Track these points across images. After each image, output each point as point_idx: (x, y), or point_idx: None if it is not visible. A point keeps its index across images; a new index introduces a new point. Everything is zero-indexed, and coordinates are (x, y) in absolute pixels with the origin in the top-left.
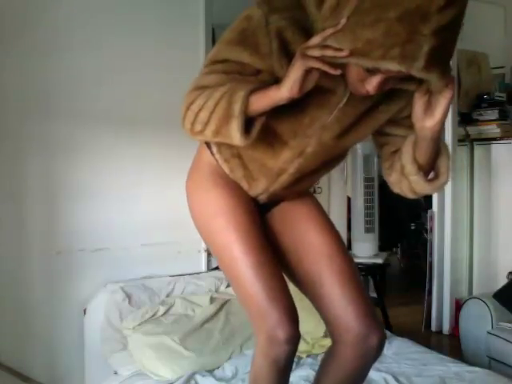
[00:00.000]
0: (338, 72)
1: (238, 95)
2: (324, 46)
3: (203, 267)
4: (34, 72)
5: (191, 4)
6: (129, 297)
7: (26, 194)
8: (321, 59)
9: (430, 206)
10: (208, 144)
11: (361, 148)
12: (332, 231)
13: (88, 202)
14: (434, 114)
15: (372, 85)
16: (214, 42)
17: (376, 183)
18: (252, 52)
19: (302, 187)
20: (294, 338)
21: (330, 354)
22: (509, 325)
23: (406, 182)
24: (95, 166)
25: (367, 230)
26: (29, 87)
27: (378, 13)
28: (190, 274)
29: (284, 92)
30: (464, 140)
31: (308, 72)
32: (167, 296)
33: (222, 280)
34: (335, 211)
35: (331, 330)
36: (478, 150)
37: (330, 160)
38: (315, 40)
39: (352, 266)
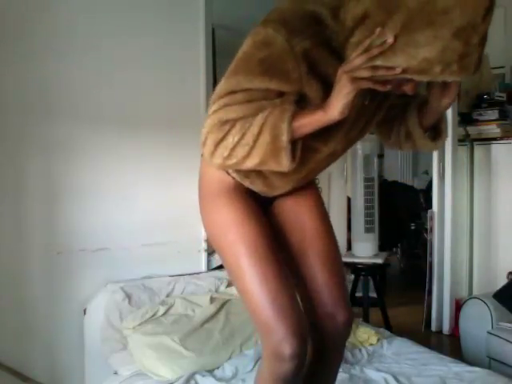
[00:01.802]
0: (388, 88)
1: (282, 127)
2: (374, 67)
3: (203, 267)
4: (35, 72)
5: (191, 4)
6: (129, 297)
7: (27, 194)
8: (371, 78)
9: (430, 206)
10: None
11: (361, 148)
12: (322, 216)
13: (88, 202)
14: (450, 94)
15: (410, 88)
16: (214, 41)
17: (376, 183)
18: (280, 80)
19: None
20: (300, 354)
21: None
22: (509, 325)
23: (410, 143)
24: (95, 166)
25: (367, 230)
26: (29, 88)
27: (431, 31)
28: (190, 274)
29: (335, 115)
30: (464, 140)
31: (357, 93)
32: (167, 296)
33: (222, 280)
34: (335, 211)
35: (309, 309)
36: (478, 150)
37: (351, 147)
38: (359, 60)
39: (335, 248)
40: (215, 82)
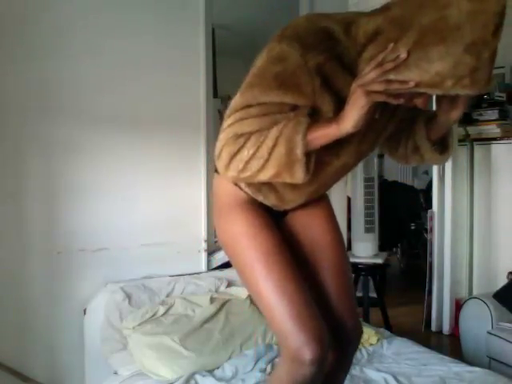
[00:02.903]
0: (401, 101)
1: (296, 139)
2: (388, 81)
3: (203, 267)
4: (35, 73)
5: (191, 4)
6: (129, 297)
7: (27, 194)
8: (383, 92)
9: (430, 206)
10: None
11: None
12: (335, 228)
13: (88, 202)
14: (458, 107)
15: (422, 101)
16: (214, 41)
17: (376, 183)
18: (295, 94)
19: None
20: (321, 358)
21: None
22: (509, 325)
23: (417, 156)
24: (95, 166)
25: (367, 230)
26: (29, 88)
27: (443, 47)
28: (190, 274)
29: (349, 128)
30: (464, 140)
31: (371, 106)
32: (167, 296)
33: (222, 280)
34: (335, 211)
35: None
36: (478, 150)
37: (362, 160)
38: (373, 75)
39: (346, 263)
40: (215, 82)
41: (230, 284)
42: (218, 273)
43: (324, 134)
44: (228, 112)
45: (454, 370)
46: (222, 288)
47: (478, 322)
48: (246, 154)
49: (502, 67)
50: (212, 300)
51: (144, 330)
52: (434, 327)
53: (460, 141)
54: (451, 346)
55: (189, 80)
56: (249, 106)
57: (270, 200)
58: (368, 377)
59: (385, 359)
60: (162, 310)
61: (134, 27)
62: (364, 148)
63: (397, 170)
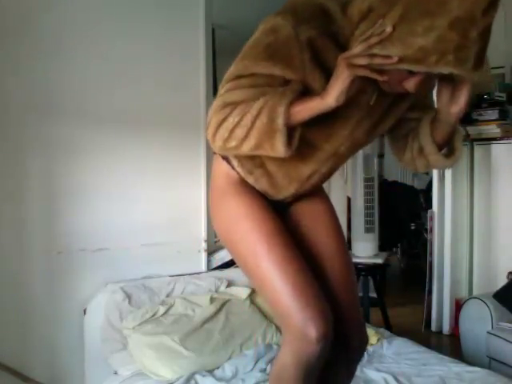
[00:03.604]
0: (385, 78)
1: (278, 110)
2: (371, 55)
3: (203, 267)
4: (36, 73)
5: (191, 4)
6: (129, 297)
7: (27, 194)
8: (368, 67)
9: (430, 206)
10: (226, 159)
11: None
12: (338, 233)
13: (88, 202)
14: (458, 102)
15: (412, 84)
16: (214, 41)
17: (376, 183)
18: (284, 65)
19: (326, 179)
20: (327, 336)
21: None
22: (509, 325)
23: (423, 160)
24: (96, 166)
25: (367, 230)
26: (30, 88)
27: (428, 21)
28: (190, 274)
29: (330, 102)
30: (464, 140)
31: (353, 80)
32: (167, 296)
33: (222, 280)
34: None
35: None
36: (478, 150)
37: (357, 150)
38: (358, 49)
39: (351, 270)
40: (215, 82)
41: (230, 284)
42: (218, 273)
43: (307, 107)
44: (222, 82)
45: (453, 369)
46: (222, 288)
47: (478, 322)
48: (231, 121)
49: (502, 67)
50: (212, 300)
51: (144, 330)
52: (433, 327)
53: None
54: (451, 346)
55: (189, 80)
56: (240, 77)
57: (261, 184)
58: (368, 377)
59: (385, 359)
60: (162, 309)
61: (134, 27)
62: (358, 136)
63: (397, 170)
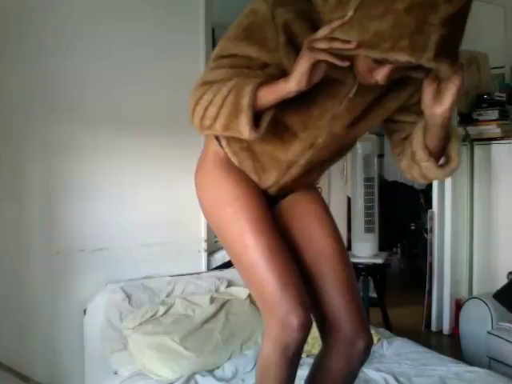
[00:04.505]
0: (346, 64)
1: (245, 89)
2: (331, 39)
3: (203, 267)
4: (36, 74)
5: (191, 4)
6: (129, 297)
7: (27, 194)
8: (328, 51)
9: (430, 206)
10: (217, 137)
11: (361, 148)
12: (335, 233)
13: (88, 202)
14: (443, 101)
15: (381, 75)
16: (214, 42)
17: (376, 183)
18: (259, 47)
19: (311, 178)
20: (307, 324)
21: (318, 358)
22: (509, 325)
23: (417, 167)
24: (96, 166)
25: (367, 230)
26: (30, 89)
27: (386, 4)
28: (190, 274)
29: (292, 85)
30: (464, 140)
31: (316, 64)
32: (167, 296)
33: (222, 280)
34: (335, 211)
35: (321, 329)
36: (478, 150)
37: (339, 150)
38: (322, 32)
39: (351, 271)
40: None
41: (230, 284)
42: (218, 273)
43: (273, 89)
44: (209, 60)
45: (453, 370)
46: (222, 288)
47: (478, 322)
48: (205, 98)
49: (502, 67)
50: (212, 300)
51: (144, 330)
52: (434, 327)
53: (460, 141)
54: (451, 346)
55: (189, 80)
56: (222, 57)
57: (245, 168)
58: (368, 377)
59: (385, 359)
60: (162, 310)
61: (134, 27)
62: (336, 130)
63: (397, 170)
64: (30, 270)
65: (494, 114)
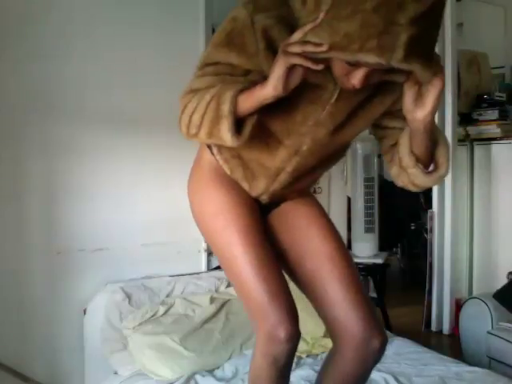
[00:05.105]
0: (320, 67)
1: (226, 96)
2: (304, 42)
3: (203, 267)
4: (36, 74)
5: (191, 4)
6: (129, 297)
7: (27, 194)
8: (303, 55)
9: (430, 206)
10: (209, 145)
11: (361, 148)
12: (333, 233)
13: (88, 202)
14: (424, 105)
15: (356, 78)
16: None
17: (376, 183)
18: (239, 53)
19: (302, 186)
20: (295, 336)
21: (330, 356)
22: (509, 325)
23: (405, 174)
24: (95, 166)
25: (367, 230)
26: (30, 88)
27: (354, 5)
28: (190, 274)
29: (269, 90)
30: (464, 140)
31: (291, 69)
32: (167, 296)
33: (222, 280)
34: (335, 211)
35: (332, 332)
36: (478, 150)
37: (328, 157)
38: (296, 36)
39: (353, 269)
40: None
41: (230, 284)
42: (217, 273)
43: (252, 95)
44: (195, 69)
45: (453, 370)
46: (222, 288)
47: (478, 321)
48: (190, 107)
49: (502, 67)
50: (212, 300)
51: (144, 330)
52: (434, 327)
53: (460, 141)
54: (451, 346)
55: (188, 80)
56: (207, 65)
57: (236, 176)
58: None
59: (385, 359)
60: (162, 310)
61: (134, 27)
62: (319, 136)
63: None
64: (30, 270)
65: (493, 113)
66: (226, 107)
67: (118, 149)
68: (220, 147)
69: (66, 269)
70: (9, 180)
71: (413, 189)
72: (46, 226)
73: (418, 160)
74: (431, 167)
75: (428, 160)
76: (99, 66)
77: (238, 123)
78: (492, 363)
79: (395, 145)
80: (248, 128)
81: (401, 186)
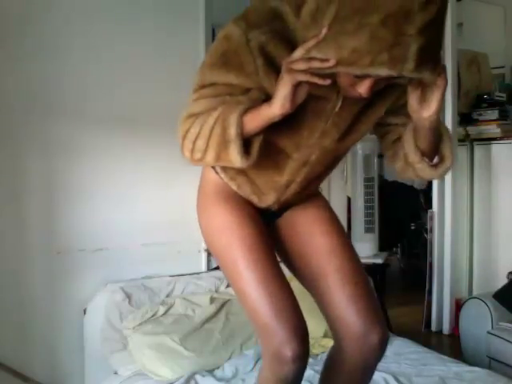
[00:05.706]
0: (327, 82)
1: (231, 118)
2: (309, 59)
3: (203, 267)
4: (36, 73)
5: (191, 4)
6: (129, 297)
7: (27, 194)
8: (308, 71)
9: (430, 206)
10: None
11: (361, 148)
12: (336, 228)
13: (88, 202)
14: (429, 105)
15: (364, 88)
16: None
17: (376, 183)
18: (237, 73)
19: (310, 190)
20: (302, 356)
21: (332, 354)
22: (509, 325)
23: (411, 169)
24: (95, 166)
25: (367, 230)
26: (30, 88)
27: (359, 19)
28: (190, 274)
29: (276, 109)
30: (464, 140)
31: (297, 86)
32: (167, 296)
33: (222, 280)
34: (335, 211)
35: (333, 329)
36: (478, 150)
37: (334, 159)
38: (298, 52)
39: (354, 263)
40: None
41: (230, 284)
42: (218, 273)
43: (258, 115)
44: (190, 91)
45: (453, 369)
46: (222, 288)
47: (478, 321)
48: (193, 132)
49: (502, 67)
50: (212, 300)
51: (144, 330)
52: (434, 327)
53: (460, 141)
54: (451, 345)
55: (189, 80)
56: (203, 87)
57: (244, 191)
58: None
59: (385, 359)
60: (162, 309)
61: (134, 27)
62: (326, 145)
63: None
64: (29, 270)
65: (493, 113)
66: (232, 131)
67: (117, 148)
68: (223, 166)
69: (65, 269)
70: (8, 180)
71: (419, 179)
72: (46, 226)
73: (423, 154)
74: (436, 159)
75: (433, 153)
76: (99, 66)
77: (245, 143)
78: (492, 363)
79: (398, 140)
80: (256, 148)
81: (407, 179)
